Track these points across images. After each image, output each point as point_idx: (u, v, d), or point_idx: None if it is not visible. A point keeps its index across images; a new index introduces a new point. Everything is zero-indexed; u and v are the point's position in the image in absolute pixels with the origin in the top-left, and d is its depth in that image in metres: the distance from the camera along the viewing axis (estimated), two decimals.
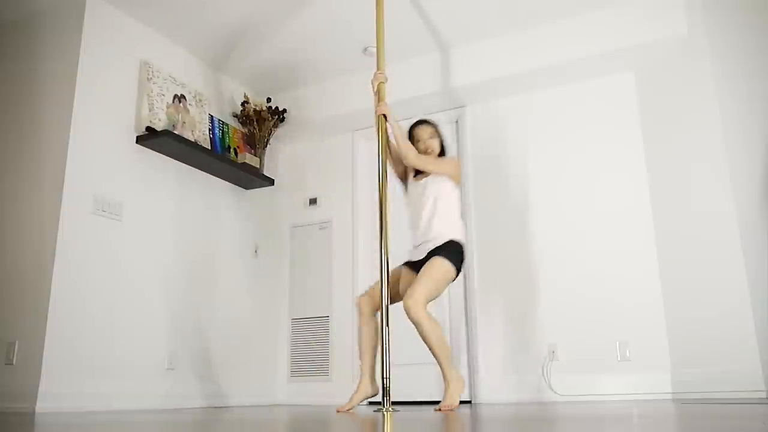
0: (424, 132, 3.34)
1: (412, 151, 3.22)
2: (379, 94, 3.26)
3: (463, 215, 4.27)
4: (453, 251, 3.10)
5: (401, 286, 3.20)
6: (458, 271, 3.13)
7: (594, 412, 2.19)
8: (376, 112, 3.20)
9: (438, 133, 3.37)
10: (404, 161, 3.22)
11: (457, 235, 3.16)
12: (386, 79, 3.31)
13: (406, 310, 2.92)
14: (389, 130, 3.22)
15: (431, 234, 3.15)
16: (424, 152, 3.31)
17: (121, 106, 3.70)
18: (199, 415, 2.51)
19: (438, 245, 3.11)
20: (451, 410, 2.86)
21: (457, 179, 3.29)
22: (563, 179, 4.07)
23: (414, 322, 2.92)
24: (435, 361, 3.04)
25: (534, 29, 4.05)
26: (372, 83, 3.28)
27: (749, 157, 3.41)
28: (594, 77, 4.11)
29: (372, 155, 4.57)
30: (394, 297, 3.15)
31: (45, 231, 3.27)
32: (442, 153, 3.37)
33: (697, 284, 3.48)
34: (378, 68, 3.29)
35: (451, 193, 3.24)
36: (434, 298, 3.05)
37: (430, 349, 2.97)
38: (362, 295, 3.20)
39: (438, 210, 3.18)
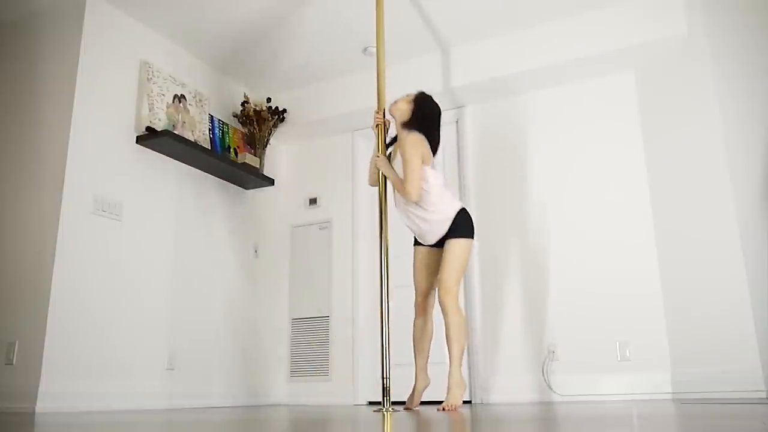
0: (401, 100, 3.28)
1: (407, 192, 3.07)
2: (379, 136, 3.30)
3: None
4: (460, 226, 3.11)
5: (425, 268, 3.25)
6: (473, 237, 3.18)
7: (594, 412, 2.19)
8: (373, 161, 3.28)
9: (415, 104, 3.22)
10: (409, 196, 3.10)
11: (453, 209, 3.12)
12: (385, 120, 3.30)
13: (440, 299, 3.05)
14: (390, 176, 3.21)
15: (431, 227, 3.13)
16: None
17: (121, 106, 3.70)
18: (199, 415, 2.51)
19: (446, 229, 3.11)
20: (454, 409, 2.87)
21: (424, 159, 3.10)
22: (563, 179, 4.07)
23: (443, 310, 3.03)
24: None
25: (534, 29, 4.05)
26: (372, 126, 3.34)
27: (749, 157, 3.41)
28: (594, 77, 4.11)
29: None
30: (424, 279, 3.25)
31: (45, 231, 3.27)
32: (412, 121, 3.20)
33: (697, 284, 3.48)
34: (377, 109, 3.29)
35: (427, 178, 3.10)
36: (462, 277, 3.16)
37: (447, 340, 3.04)
38: (422, 302, 3.29)
39: (427, 202, 3.10)
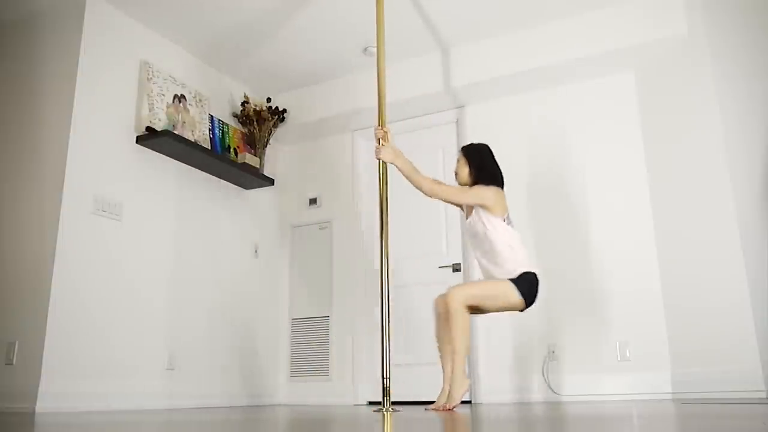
0: (456, 163, 3.23)
1: (425, 183, 3.07)
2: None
3: (463, 216, 4.27)
4: (520, 279, 2.97)
5: None
6: (526, 299, 2.98)
7: (594, 412, 2.19)
8: (375, 154, 3.16)
9: (465, 159, 3.18)
10: (424, 193, 3.08)
11: (524, 268, 3.00)
12: (385, 133, 3.19)
13: (446, 296, 2.93)
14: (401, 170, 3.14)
15: (503, 263, 3.02)
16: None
17: (121, 106, 3.70)
18: (199, 415, 2.51)
19: (518, 277, 2.99)
20: (451, 409, 2.86)
21: (494, 209, 3.05)
22: (563, 179, 4.07)
23: (449, 311, 2.90)
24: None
25: (534, 29, 4.05)
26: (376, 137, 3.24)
27: (749, 157, 3.41)
28: (594, 77, 4.11)
29: (372, 155, 4.56)
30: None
31: (45, 231, 3.27)
32: (477, 179, 3.13)
33: (697, 284, 3.48)
34: (379, 123, 3.20)
35: (497, 228, 3.03)
36: (479, 307, 2.97)
37: (452, 341, 2.91)
38: (439, 296, 3.11)
39: (494, 255, 3.03)
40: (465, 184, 3.19)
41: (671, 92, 3.78)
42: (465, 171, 3.18)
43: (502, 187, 3.15)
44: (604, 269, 3.83)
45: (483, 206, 3.06)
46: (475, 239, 3.12)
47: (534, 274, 3.02)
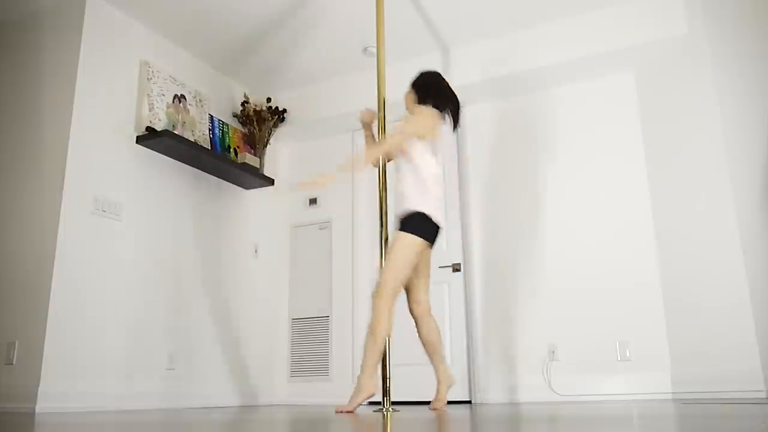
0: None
1: (372, 150, 3.03)
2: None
3: (463, 215, 4.27)
4: (413, 223, 2.90)
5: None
6: (426, 239, 2.91)
7: (594, 412, 2.19)
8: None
9: (411, 86, 3.15)
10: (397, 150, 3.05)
11: (422, 208, 2.91)
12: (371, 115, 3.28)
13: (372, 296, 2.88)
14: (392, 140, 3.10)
15: (402, 205, 2.97)
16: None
17: (121, 106, 3.70)
18: (199, 415, 2.51)
19: (402, 219, 2.95)
20: (351, 412, 2.74)
21: (423, 133, 2.95)
22: (563, 179, 4.07)
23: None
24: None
25: (534, 29, 4.05)
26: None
27: (749, 157, 3.41)
28: (594, 77, 4.11)
29: None
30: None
31: (45, 231, 3.27)
32: (420, 101, 3.10)
33: (697, 284, 3.48)
34: (379, 123, 3.25)
35: (419, 156, 2.96)
36: (404, 277, 2.89)
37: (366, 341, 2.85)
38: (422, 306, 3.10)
39: (407, 180, 2.98)
40: (411, 109, 3.13)
41: (671, 92, 3.78)
42: (411, 97, 3.14)
43: (455, 119, 3.11)
44: (604, 269, 3.83)
45: (419, 132, 2.95)
46: (400, 174, 3.01)
47: (428, 216, 2.90)
